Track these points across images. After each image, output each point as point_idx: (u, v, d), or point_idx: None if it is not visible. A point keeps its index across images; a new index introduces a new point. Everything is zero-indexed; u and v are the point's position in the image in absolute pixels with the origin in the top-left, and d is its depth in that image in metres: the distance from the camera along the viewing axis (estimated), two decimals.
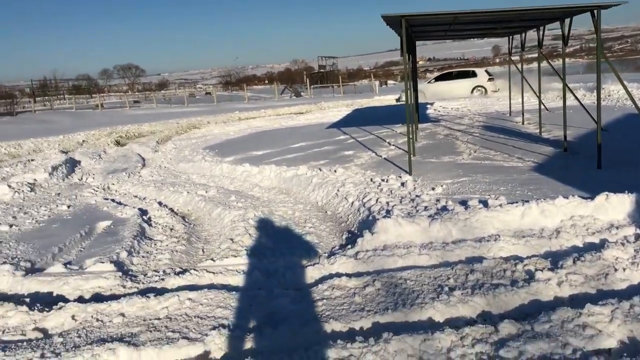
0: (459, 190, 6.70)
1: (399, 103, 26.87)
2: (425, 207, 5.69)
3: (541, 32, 10.61)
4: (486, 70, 28.09)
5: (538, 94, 11.51)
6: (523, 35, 12.37)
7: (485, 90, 26.23)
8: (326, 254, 5.03)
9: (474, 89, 26.47)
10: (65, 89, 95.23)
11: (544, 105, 12.30)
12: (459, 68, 36.15)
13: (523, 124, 12.87)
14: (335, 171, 8.39)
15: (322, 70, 70.84)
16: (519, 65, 13.02)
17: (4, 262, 5.32)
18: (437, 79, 28.14)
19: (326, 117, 20.83)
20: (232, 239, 5.53)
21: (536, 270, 4.05)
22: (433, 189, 6.76)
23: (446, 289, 3.84)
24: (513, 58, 13.91)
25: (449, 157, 9.29)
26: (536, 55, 11.52)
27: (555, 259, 4.27)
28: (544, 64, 11.36)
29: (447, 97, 24.55)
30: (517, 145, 9.84)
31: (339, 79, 56.67)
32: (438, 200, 5.96)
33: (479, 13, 7.48)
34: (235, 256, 5.01)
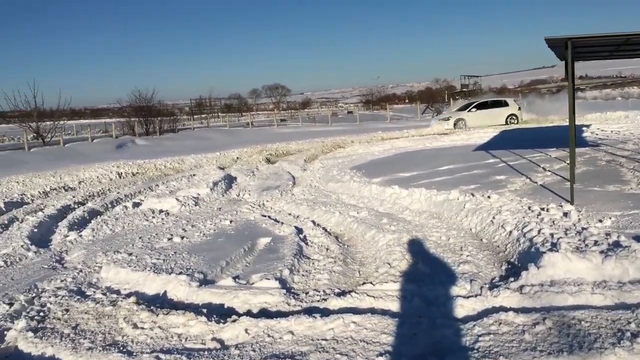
0: (630, 224, 6.20)
1: (431, 129, 27.39)
2: (595, 241, 5.33)
3: None
4: (514, 100, 30.60)
5: None
6: None
7: (517, 119, 28.02)
8: (487, 285, 4.89)
9: (508, 117, 28.18)
10: (218, 108, 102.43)
11: None
12: (490, 98, 36.66)
13: None
14: (488, 197, 8.16)
15: (464, 90, 69.28)
16: None
17: (180, 273, 5.83)
18: (477, 107, 29.01)
19: (472, 138, 20.34)
20: (389, 264, 5.59)
21: None
22: (600, 221, 6.33)
23: (628, 334, 3.57)
24: None
25: (614, 186, 8.63)
26: None
27: None
28: None
29: (484, 125, 26.46)
30: None
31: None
32: (608, 235, 5.55)
33: None
34: (395, 281, 5.05)
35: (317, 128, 37.26)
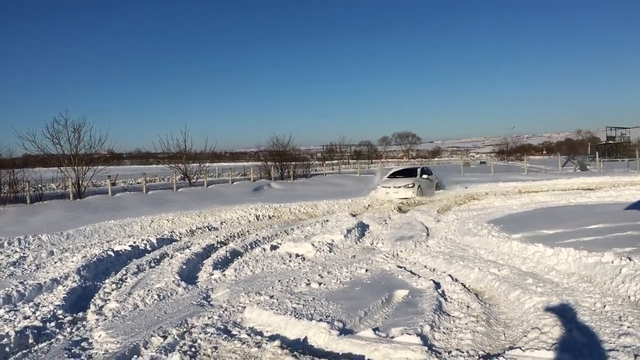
0: None
1: (373, 198, 22.48)
2: None
3: None
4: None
5: None
6: None
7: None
8: None
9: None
10: (348, 154, 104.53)
11: None
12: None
13: None
14: None
15: (610, 142, 64.91)
16: None
17: (320, 320, 5.89)
18: (423, 172, 25.07)
19: (622, 195, 18.82)
20: (539, 329, 5.24)
21: None
22: None
23: None
24: None
25: None
26: None
27: None
28: None
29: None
30: None
31: (633, 152, 51.14)
32: None
33: None
34: (547, 349, 4.70)
35: (449, 178, 36.54)
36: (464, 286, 7.50)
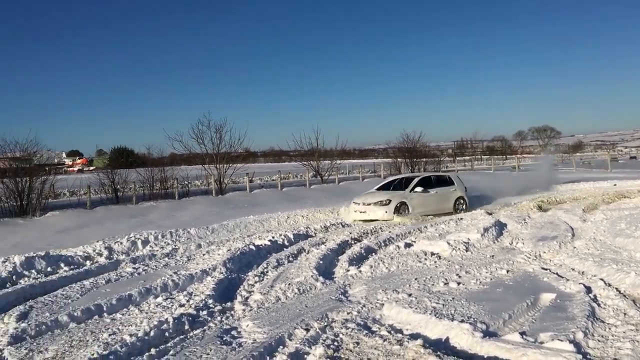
0: None
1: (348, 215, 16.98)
2: None
3: None
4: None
5: None
6: None
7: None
8: None
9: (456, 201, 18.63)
10: (480, 150, 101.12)
11: None
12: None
13: None
14: None
15: None
16: None
17: (462, 320, 5.76)
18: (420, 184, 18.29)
19: None
20: None
21: None
22: None
23: None
24: None
25: None
26: None
27: None
28: None
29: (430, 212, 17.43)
30: None
31: None
32: None
33: None
34: None
35: (594, 174, 34.04)
36: (619, 291, 6.93)
